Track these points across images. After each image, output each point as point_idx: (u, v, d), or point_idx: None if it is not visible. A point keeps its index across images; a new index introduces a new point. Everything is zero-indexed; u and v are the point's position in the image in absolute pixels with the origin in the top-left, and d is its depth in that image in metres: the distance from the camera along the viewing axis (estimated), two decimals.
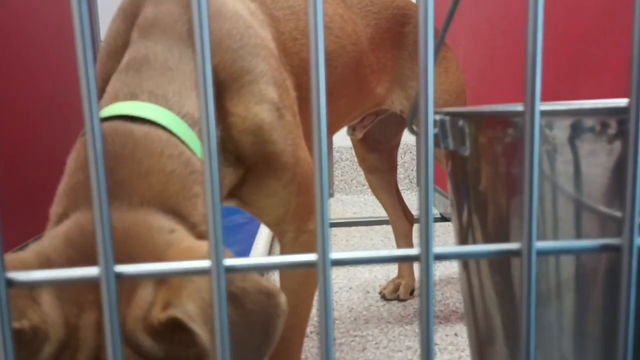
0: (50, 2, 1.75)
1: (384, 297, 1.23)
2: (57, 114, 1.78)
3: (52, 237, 0.45)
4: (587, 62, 1.06)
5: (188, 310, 0.37)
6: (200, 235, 0.49)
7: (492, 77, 1.57)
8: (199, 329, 0.37)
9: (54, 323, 0.39)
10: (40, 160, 1.66)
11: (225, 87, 0.60)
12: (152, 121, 0.50)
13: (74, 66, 1.91)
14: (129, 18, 0.62)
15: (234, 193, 0.65)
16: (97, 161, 0.24)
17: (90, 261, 0.41)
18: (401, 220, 1.27)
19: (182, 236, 0.44)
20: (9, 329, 0.25)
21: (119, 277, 0.25)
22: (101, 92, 0.59)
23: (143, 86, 0.53)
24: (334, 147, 2.34)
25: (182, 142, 0.51)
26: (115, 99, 0.53)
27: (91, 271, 0.25)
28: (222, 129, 0.60)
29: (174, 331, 0.38)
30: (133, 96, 0.53)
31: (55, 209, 0.49)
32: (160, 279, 0.41)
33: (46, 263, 0.42)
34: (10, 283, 0.25)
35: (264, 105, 0.60)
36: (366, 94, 0.92)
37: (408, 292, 1.23)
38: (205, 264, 0.26)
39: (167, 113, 0.51)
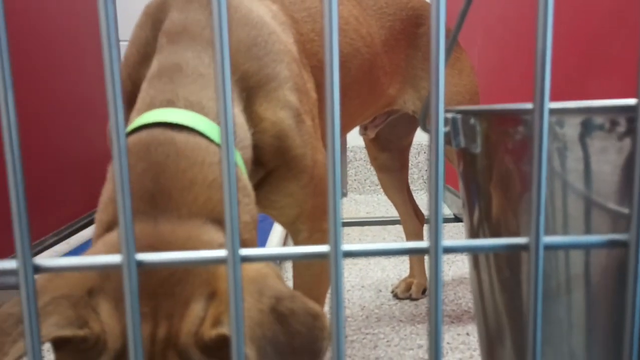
0: (63, 4, 1.78)
1: (396, 296, 1.23)
2: (69, 114, 1.81)
3: (106, 244, 0.45)
4: (597, 62, 1.05)
5: None
6: (244, 243, 0.50)
7: (506, 76, 1.57)
8: (247, 348, 0.38)
9: (113, 333, 0.40)
10: (49, 159, 1.69)
11: (255, 93, 0.62)
12: (190, 128, 0.50)
13: (86, 65, 1.94)
14: (155, 24, 0.63)
15: None
16: (120, 156, 0.25)
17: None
18: (412, 219, 1.27)
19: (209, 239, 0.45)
20: (35, 313, 0.26)
21: (140, 264, 0.26)
22: (133, 97, 0.60)
23: (178, 93, 0.54)
24: (347, 146, 2.35)
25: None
26: (152, 105, 0.53)
27: (114, 259, 0.26)
28: (254, 133, 0.61)
29: (222, 347, 0.40)
30: (170, 103, 0.53)
31: (101, 217, 0.49)
32: (211, 292, 0.42)
33: (103, 271, 0.42)
34: (37, 269, 0.26)
35: (287, 111, 0.62)
36: (379, 94, 0.93)
37: (420, 291, 1.23)
38: (221, 253, 0.27)
39: (204, 120, 0.52)
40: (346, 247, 0.28)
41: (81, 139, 1.84)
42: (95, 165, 1.95)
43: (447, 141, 0.44)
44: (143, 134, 0.49)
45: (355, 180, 2.38)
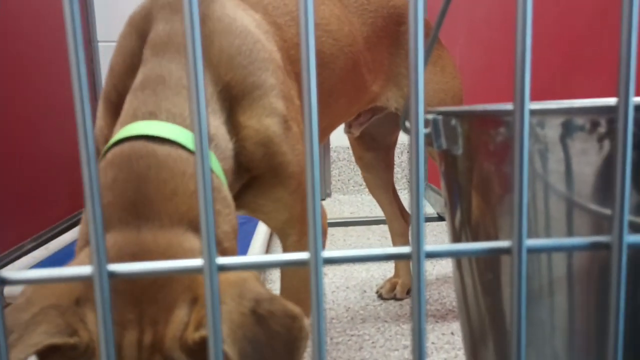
0: (48, 3, 1.75)
1: (380, 297, 1.23)
2: (53, 115, 1.78)
3: (88, 255, 0.46)
4: (582, 61, 1.06)
5: None
6: (224, 252, 0.52)
7: (489, 76, 1.57)
8: (229, 349, 0.39)
9: None
10: (36, 161, 1.66)
11: (238, 101, 0.62)
12: (171, 140, 0.51)
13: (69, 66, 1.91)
14: (141, 34, 0.63)
15: (237, 198, 0.65)
16: (89, 159, 0.24)
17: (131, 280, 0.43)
18: (397, 219, 1.27)
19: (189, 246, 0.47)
20: (2, 324, 0.25)
21: (112, 275, 0.25)
22: (118, 108, 0.60)
23: (161, 105, 0.54)
24: (331, 147, 2.35)
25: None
26: (135, 117, 0.54)
27: (85, 270, 0.25)
28: (236, 141, 0.61)
29: (205, 349, 0.41)
30: (152, 115, 0.53)
31: (84, 229, 0.50)
32: (193, 298, 0.44)
33: (88, 283, 0.43)
34: (3, 281, 0.25)
35: (274, 118, 0.63)
36: (363, 91, 0.93)
37: (404, 291, 1.23)
38: (198, 262, 0.26)
39: (185, 132, 0.53)
40: (326, 253, 0.27)
41: (61, 141, 1.81)
42: (75, 168, 1.92)
43: (429, 142, 0.44)
44: (125, 146, 0.50)
45: (339, 180, 2.38)
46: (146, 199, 0.47)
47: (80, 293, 0.43)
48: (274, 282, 1.34)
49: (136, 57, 0.62)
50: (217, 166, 0.55)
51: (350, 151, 2.32)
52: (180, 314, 0.43)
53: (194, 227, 0.47)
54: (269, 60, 0.64)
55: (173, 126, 0.52)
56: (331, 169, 2.37)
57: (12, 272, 0.25)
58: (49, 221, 1.70)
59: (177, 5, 0.62)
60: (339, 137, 2.32)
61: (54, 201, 1.75)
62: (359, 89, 0.91)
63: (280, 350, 0.42)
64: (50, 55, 1.75)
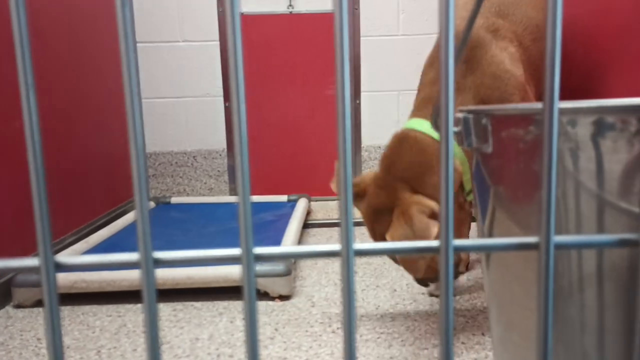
0: (85, 4, 1.81)
1: (431, 295, 1.24)
2: (89, 115, 1.84)
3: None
4: (618, 60, 1.04)
5: None
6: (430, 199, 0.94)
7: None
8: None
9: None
10: (68, 160, 1.72)
11: None
12: (422, 132, 0.93)
13: (107, 66, 1.97)
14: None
15: None
16: (138, 154, 0.25)
17: None
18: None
19: (408, 197, 0.91)
20: (56, 309, 0.27)
21: (157, 262, 0.27)
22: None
23: (427, 115, 0.97)
24: (362, 146, 2.35)
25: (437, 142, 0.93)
26: (415, 117, 0.99)
27: (131, 257, 0.27)
28: None
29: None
30: (419, 116, 0.99)
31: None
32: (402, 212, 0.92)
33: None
34: (58, 266, 0.27)
35: None
36: None
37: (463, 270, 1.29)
38: (236, 251, 0.27)
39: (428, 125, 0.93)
40: (358, 245, 0.28)
41: (100, 139, 1.87)
42: (115, 165, 1.98)
43: (459, 141, 0.45)
44: (403, 131, 0.97)
45: None
46: (393, 162, 0.95)
47: None
48: (304, 279, 1.36)
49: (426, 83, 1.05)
50: (457, 148, 0.92)
51: (381, 151, 2.32)
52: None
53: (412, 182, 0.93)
54: (514, 86, 0.93)
55: (423, 122, 0.95)
56: (362, 168, 2.38)
57: (66, 257, 0.27)
58: (89, 216, 1.76)
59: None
60: (370, 137, 2.32)
61: (93, 198, 1.81)
62: None
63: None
64: (94, 57, 1.81)
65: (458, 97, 0.92)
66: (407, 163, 0.91)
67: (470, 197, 1.01)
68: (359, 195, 1.00)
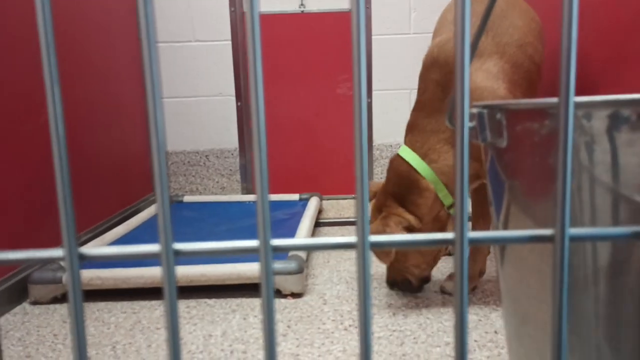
0: (99, 6, 1.83)
1: (444, 291, 1.24)
2: (107, 112, 1.86)
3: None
4: (632, 54, 1.03)
5: None
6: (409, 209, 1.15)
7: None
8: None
9: None
10: (83, 159, 1.74)
11: None
12: (403, 158, 1.14)
13: (123, 67, 1.99)
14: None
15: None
16: (160, 150, 0.26)
17: None
18: (477, 219, 1.29)
19: (392, 207, 1.13)
20: (80, 300, 0.28)
21: (177, 253, 0.28)
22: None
23: (411, 140, 1.16)
24: (374, 144, 2.35)
25: (413, 167, 1.12)
26: (405, 144, 1.18)
27: (153, 248, 0.28)
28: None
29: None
30: (406, 143, 1.16)
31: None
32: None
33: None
34: (82, 257, 0.28)
35: None
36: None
37: (471, 286, 1.26)
38: (254, 243, 0.28)
39: (411, 153, 1.13)
40: (373, 238, 0.28)
41: (114, 139, 1.89)
42: (129, 163, 2.00)
43: (474, 136, 0.45)
44: (394, 157, 1.17)
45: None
46: (390, 179, 1.15)
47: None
48: (315, 277, 1.37)
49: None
50: (427, 172, 1.11)
51: (393, 149, 2.32)
52: None
53: (397, 196, 1.14)
54: (489, 99, 1.06)
55: (411, 153, 1.14)
56: (374, 167, 2.38)
57: (90, 248, 0.28)
58: (103, 214, 1.78)
59: (441, 75, 1.11)
60: (382, 135, 2.32)
61: (107, 196, 1.83)
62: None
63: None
64: (112, 57, 1.83)
65: (437, 117, 1.12)
66: (395, 182, 1.14)
67: (452, 211, 1.16)
68: (370, 198, 1.23)
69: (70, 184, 0.27)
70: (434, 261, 1.21)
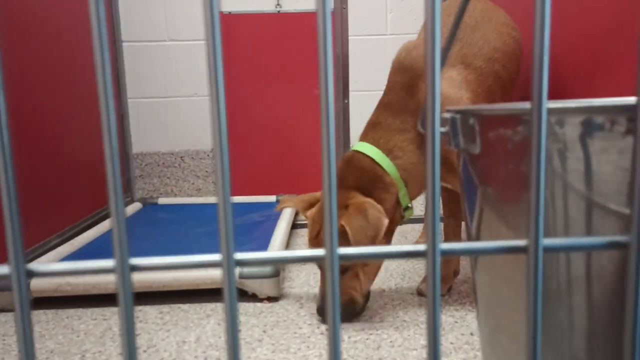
0: (72, 3, 1.78)
1: (420, 293, 1.24)
2: (72, 114, 1.82)
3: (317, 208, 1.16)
4: (605, 61, 1.04)
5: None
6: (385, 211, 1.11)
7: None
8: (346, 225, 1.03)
9: None
10: (52, 161, 1.70)
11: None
12: (365, 153, 1.13)
13: (89, 66, 1.94)
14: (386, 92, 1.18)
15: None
16: (113, 156, 0.24)
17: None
18: (448, 218, 1.30)
19: (360, 197, 1.09)
20: (28, 316, 0.26)
21: (134, 269, 0.26)
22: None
23: (374, 136, 1.15)
24: (350, 145, 2.35)
25: (377, 163, 1.11)
26: (362, 140, 1.17)
27: (107, 264, 0.26)
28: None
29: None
30: (365, 139, 1.16)
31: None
32: (345, 206, 1.10)
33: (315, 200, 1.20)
34: (30, 274, 0.26)
35: None
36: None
37: (445, 287, 1.25)
38: (216, 257, 0.27)
39: (374, 149, 1.12)
40: (342, 250, 0.27)
41: (84, 140, 1.85)
42: (99, 166, 1.96)
43: (446, 141, 0.44)
44: (350, 152, 1.15)
45: None
46: (345, 177, 1.13)
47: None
48: (292, 280, 1.35)
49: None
50: (392, 169, 1.11)
51: None
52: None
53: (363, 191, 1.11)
54: (450, 105, 1.07)
55: (370, 146, 1.13)
56: None
57: (38, 265, 0.26)
58: (74, 218, 1.74)
59: (403, 77, 1.13)
60: (359, 136, 2.32)
61: (78, 199, 1.79)
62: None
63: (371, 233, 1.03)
64: (74, 57, 1.79)
65: (402, 117, 1.12)
66: (357, 177, 1.12)
67: (409, 213, 1.17)
68: (312, 205, 1.21)
69: (17, 197, 0.25)
70: (376, 275, 1.15)
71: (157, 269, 0.26)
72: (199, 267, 0.26)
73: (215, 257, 0.26)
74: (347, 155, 1.15)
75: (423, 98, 1.10)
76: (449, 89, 1.10)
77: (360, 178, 1.11)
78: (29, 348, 0.26)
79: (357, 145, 1.16)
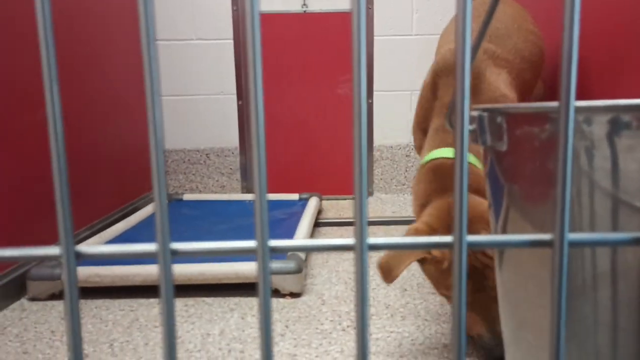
0: (100, 3, 1.83)
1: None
2: (106, 110, 1.86)
3: (429, 214, 0.97)
4: (630, 59, 1.03)
5: None
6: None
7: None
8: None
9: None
10: (81, 155, 1.74)
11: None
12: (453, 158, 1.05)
13: (120, 63, 1.99)
14: (434, 90, 1.12)
15: None
16: (158, 149, 0.26)
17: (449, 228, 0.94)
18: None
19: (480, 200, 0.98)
20: (76, 297, 0.28)
21: (175, 253, 0.27)
22: (423, 139, 1.18)
23: (449, 141, 1.07)
24: (374, 145, 2.35)
25: (474, 165, 1.04)
26: (438, 146, 1.08)
27: (150, 247, 0.28)
28: None
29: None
30: (441, 145, 1.07)
31: (417, 202, 1.04)
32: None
33: (432, 230, 0.94)
34: (78, 255, 0.28)
35: None
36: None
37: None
38: (252, 244, 0.28)
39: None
40: (371, 240, 0.28)
41: (113, 136, 1.89)
42: (128, 161, 2.00)
43: (473, 139, 0.45)
44: (436, 161, 1.04)
45: (381, 179, 2.38)
46: (445, 185, 1.01)
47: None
48: (314, 277, 1.37)
49: (429, 108, 1.14)
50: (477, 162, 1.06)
51: (394, 150, 2.31)
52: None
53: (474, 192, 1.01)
54: (504, 99, 1.12)
55: (451, 150, 1.04)
56: (374, 168, 2.38)
57: (87, 247, 0.27)
58: (102, 211, 1.78)
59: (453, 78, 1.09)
60: (382, 137, 2.32)
61: (107, 193, 1.83)
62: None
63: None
64: (118, 54, 1.83)
65: None
66: (471, 181, 1.07)
67: None
68: (426, 232, 0.99)
69: (68, 181, 0.27)
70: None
71: (197, 254, 0.28)
72: (235, 253, 0.28)
73: (251, 243, 0.28)
74: (434, 164, 1.04)
75: (485, 98, 1.08)
76: (506, 90, 1.10)
77: (474, 182, 1.04)
78: (76, 326, 0.28)
79: (436, 152, 1.06)
